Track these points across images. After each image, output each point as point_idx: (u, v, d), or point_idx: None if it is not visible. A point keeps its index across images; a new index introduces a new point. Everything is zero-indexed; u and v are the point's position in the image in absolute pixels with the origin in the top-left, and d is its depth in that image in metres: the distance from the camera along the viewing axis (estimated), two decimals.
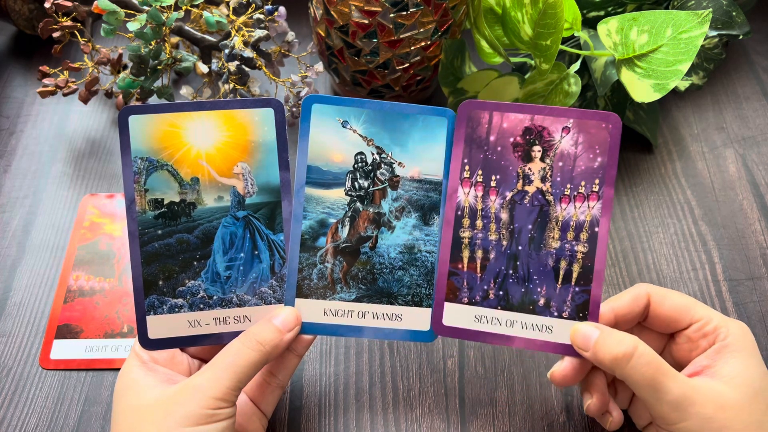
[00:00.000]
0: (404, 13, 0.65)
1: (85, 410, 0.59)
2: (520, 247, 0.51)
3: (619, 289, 0.65)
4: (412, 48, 0.68)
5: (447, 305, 0.51)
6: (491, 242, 0.51)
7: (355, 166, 0.51)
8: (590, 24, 0.72)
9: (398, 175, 0.51)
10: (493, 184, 0.51)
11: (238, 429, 0.51)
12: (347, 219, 0.51)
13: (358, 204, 0.51)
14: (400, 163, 0.51)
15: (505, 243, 0.51)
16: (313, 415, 0.58)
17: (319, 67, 0.74)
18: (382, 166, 0.51)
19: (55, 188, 0.73)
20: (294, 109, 0.75)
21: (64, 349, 0.62)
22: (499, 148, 0.50)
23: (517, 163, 0.50)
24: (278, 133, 0.51)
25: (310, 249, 0.51)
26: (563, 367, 0.51)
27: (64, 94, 0.73)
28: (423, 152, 0.51)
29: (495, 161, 0.51)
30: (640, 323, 0.54)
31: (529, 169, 0.50)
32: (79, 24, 0.74)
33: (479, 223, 0.51)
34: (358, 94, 0.75)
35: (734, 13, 0.72)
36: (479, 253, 0.51)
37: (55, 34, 0.73)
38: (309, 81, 0.75)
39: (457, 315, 0.51)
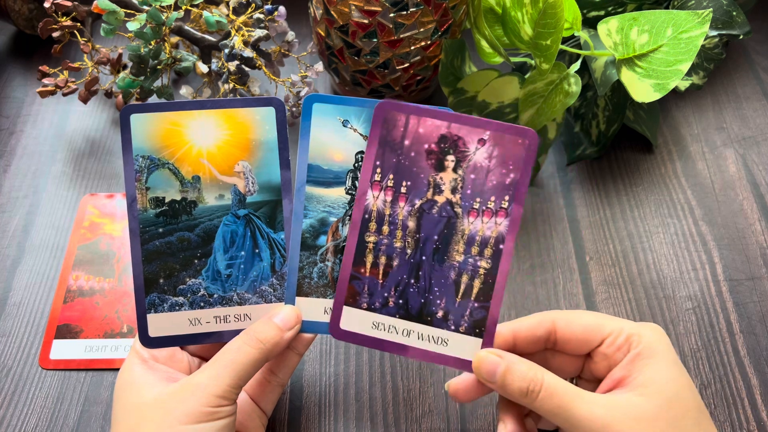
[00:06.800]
0: (404, 13, 0.65)
1: (85, 410, 0.59)
2: (423, 257, 0.50)
3: (619, 289, 0.65)
4: (412, 48, 0.68)
5: (345, 309, 0.50)
6: (396, 249, 0.50)
7: (356, 165, 0.51)
8: (590, 24, 0.72)
9: None
10: (403, 190, 0.50)
11: (237, 427, 0.51)
12: (348, 218, 0.51)
13: None
14: None
15: (409, 251, 0.50)
16: (313, 415, 0.58)
17: (319, 67, 0.74)
18: None
19: (55, 188, 0.73)
20: (294, 108, 0.75)
21: (63, 349, 0.62)
22: (412, 154, 0.49)
23: (429, 171, 0.49)
24: (279, 132, 0.51)
25: (311, 247, 0.51)
26: (458, 382, 0.50)
27: (64, 94, 0.73)
28: None
29: (407, 167, 0.49)
30: (552, 349, 0.52)
31: (441, 178, 0.49)
32: (78, 24, 0.74)
33: (386, 228, 0.50)
34: (358, 94, 0.75)
35: (734, 13, 0.72)
36: (383, 259, 0.50)
37: (55, 34, 0.73)
38: (309, 81, 0.75)
39: (355, 320, 0.50)
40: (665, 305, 0.64)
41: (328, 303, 0.51)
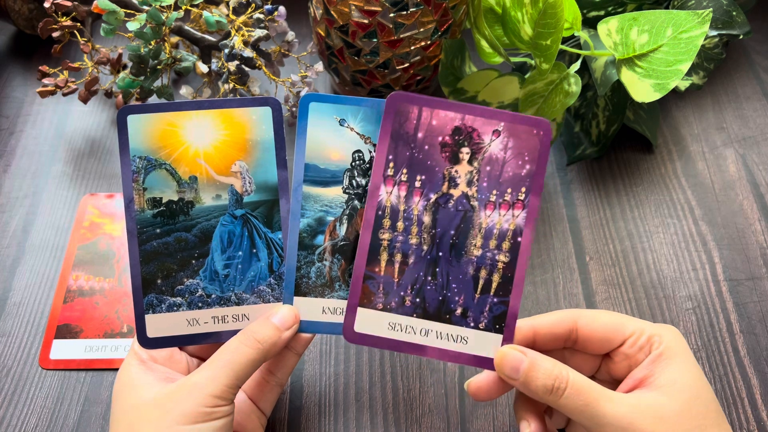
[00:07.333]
0: (404, 12, 0.65)
1: (85, 410, 0.59)
2: (440, 253, 0.48)
3: (619, 289, 0.65)
4: (412, 48, 0.68)
5: (360, 311, 0.49)
6: (411, 246, 0.48)
7: (353, 164, 0.51)
8: (590, 24, 0.72)
9: None
10: (417, 184, 0.48)
11: (236, 427, 0.51)
12: (345, 217, 0.51)
13: (356, 202, 0.51)
14: None
15: (425, 248, 0.48)
16: (313, 415, 0.58)
17: (319, 67, 0.74)
18: None
19: (55, 188, 0.73)
20: (294, 109, 0.75)
21: (63, 349, 0.62)
22: (426, 147, 0.48)
23: (444, 164, 0.48)
24: (276, 132, 0.51)
25: (308, 247, 0.51)
26: (480, 380, 0.49)
27: (64, 94, 0.73)
28: None
29: (421, 160, 0.48)
30: (571, 348, 0.52)
31: (456, 171, 0.48)
32: (78, 24, 0.74)
33: (400, 224, 0.48)
34: (358, 94, 0.75)
35: (734, 13, 0.72)
36: (398, 257, 0.48)
37: (55, 34, 0.73)
38: (309, 81, 0.75)
39: (370, 322, 0.48)
40: (665, 305, 0.64)
41: (327, 303, 0.51)
